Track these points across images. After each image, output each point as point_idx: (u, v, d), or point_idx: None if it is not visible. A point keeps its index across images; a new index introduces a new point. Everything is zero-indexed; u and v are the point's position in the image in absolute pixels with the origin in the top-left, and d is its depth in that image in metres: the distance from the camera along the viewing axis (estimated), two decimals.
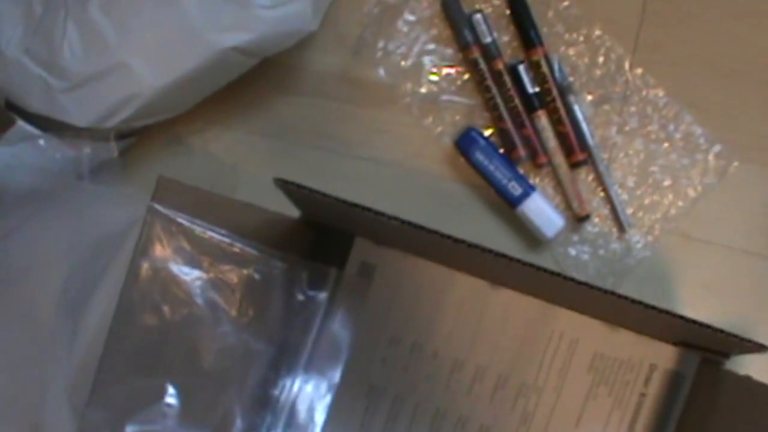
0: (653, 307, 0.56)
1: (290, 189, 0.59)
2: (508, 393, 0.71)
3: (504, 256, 0.57)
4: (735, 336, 0.58)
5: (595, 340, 0.70)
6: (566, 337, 0.71)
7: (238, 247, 0.65)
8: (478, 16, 0.75)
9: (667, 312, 0.57)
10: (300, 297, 0.69)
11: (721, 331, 0.57)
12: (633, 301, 0.57)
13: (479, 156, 0.73)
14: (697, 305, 0.74)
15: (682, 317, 0.57)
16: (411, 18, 0.77)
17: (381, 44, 0.77)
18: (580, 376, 0.71)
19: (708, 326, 0.57)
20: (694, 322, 0.57)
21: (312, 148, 0.77)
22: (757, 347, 0.59)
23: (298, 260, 0.68)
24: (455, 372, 0.72)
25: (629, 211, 0.74)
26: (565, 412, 0.71)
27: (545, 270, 0.57)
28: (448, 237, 0.57)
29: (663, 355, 0.70)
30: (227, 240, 0.65)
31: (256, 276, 0.67)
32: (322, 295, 0.71)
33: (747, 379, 0.64)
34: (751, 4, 0.75)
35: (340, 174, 0.77)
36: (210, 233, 0.65)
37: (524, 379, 0.71)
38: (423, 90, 0.76)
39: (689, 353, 0.69)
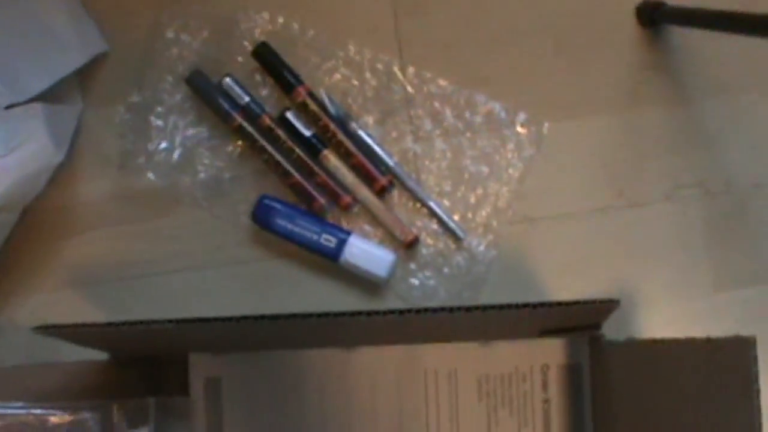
0: (508, 306, 0.50)
1: (55, 333, 0.54)
2: None
3: (359, 313, 0.51)
4: (582, 302, 0.52)
5: (474, 363, 0.63)
6: (442, 372, 0.64)
7: (36, 413, 0.59)
8: (228, 80, 0.68)
9: (517, 306, 0.50)
10: None
11: (576, 303, 0.51)
12: (485, 308, 0.50)
13: (280, 222, 0.66)
14: (565, 285, 0.67)
15: (529, 305, 0.51)
16: (162, 109, 0.70)
17: (142, 148, 0.70)
18: (473, 406, 0.63)
19: (560, 303, 0.51)
20: (542, 304, 0.51)
21: (117, 281, 0.70)
22: (611, 305, 0.54)
23: (107, 404, 0.62)
24: None
25: (457, 217, 0.68)
26: None
27: (401, 311, 0.51)
28: (294, 316, 0.50)
29: (551, 352, 0.63)
30: (23, 411, 0.58)
31: None
32: (145, 431, 0.64)
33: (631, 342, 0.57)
34: None
35: (156, 296, 0.69)
36: (2, 410, 0.58)
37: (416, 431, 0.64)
38: (202, 177, 0.69)
39: (576, 341, 0.63)
